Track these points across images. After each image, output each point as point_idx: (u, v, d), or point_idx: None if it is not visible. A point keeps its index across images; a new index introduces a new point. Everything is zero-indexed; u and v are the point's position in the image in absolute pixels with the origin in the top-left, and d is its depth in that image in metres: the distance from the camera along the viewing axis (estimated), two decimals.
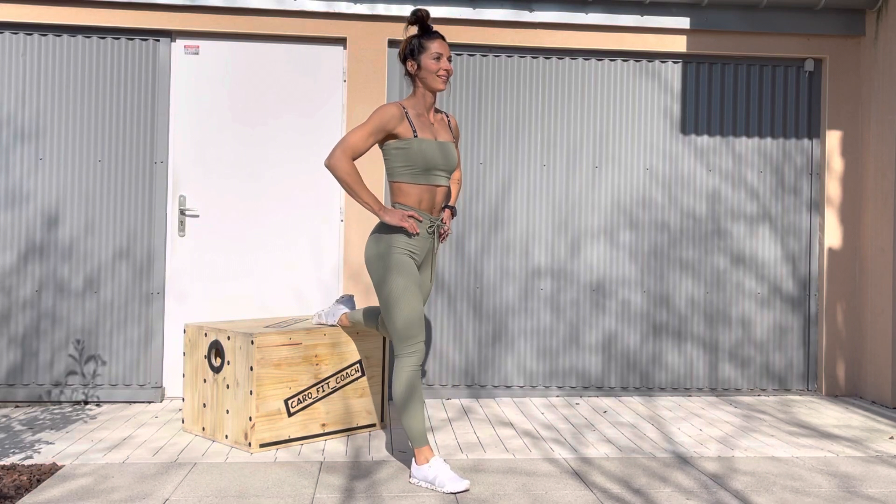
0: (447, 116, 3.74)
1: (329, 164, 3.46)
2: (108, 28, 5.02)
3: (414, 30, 3.65)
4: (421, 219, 3.55)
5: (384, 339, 4.43)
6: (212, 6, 5.00)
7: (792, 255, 5.47)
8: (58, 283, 4.98)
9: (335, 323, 4.23)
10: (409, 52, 3.58)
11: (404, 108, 3.54)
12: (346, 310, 4.25)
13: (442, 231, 3.69)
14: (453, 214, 3.79)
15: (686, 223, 5.40)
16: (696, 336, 5.39)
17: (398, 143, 3.52)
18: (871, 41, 5.36)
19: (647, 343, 5.36)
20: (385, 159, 3.59)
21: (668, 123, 5.40)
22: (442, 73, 3.54)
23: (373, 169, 5.05)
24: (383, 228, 3.57)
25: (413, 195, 3.55)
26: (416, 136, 3.51)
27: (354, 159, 3.48)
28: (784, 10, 5.34)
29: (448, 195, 3.72)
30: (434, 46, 3.54)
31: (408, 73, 3.61)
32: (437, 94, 3.59)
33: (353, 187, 3.46)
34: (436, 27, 5.15)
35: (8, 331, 4.95)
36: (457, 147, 3.81)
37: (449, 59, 3.58)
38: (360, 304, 5.10)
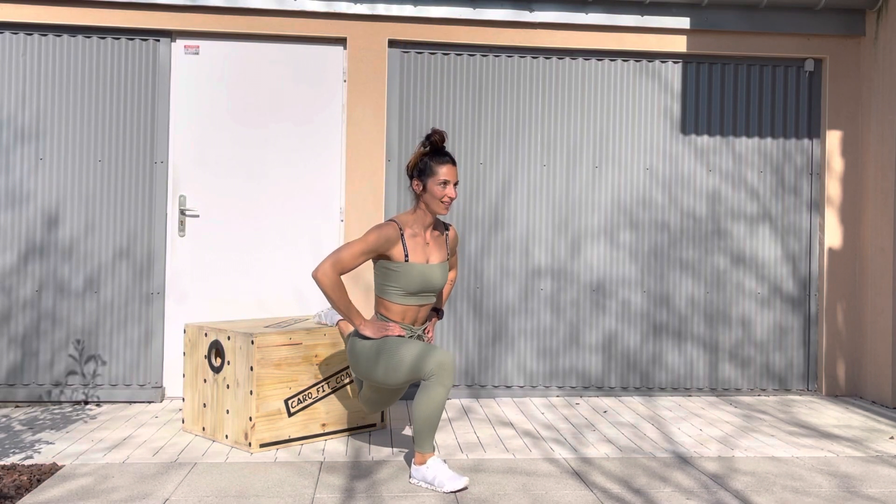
0: (447, 230, 3.77)
1: (315, 277, 3.50)
2: (108, 28, 5.02)
3: (426, 149, 3.65)
4: (403, 332, 3.60)
5: None
6: (212, 6, 5.00)
7: (792, 255, 5.47)
8: (58, 283, 4.97)
9: (334, 324, 4.23)
10: (417, 172, 3.59)
11: (401, 228, 3.57)
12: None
13: (424, 340, 3.75)
14: (439, 317, 3.88)
15: (686, 223, 5.40)
16: (696, 336, 5.39)
17: (389, 265, 3.58)
18: (871, 41, 5.36)
19: (647, 343, 5.36)
20: (375, 273, 3.65)
21: (668, 123, 5.40)
22: (446, 199, 3.56)
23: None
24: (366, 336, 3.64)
25: (397, 313, 3.64)
26: (407, 261, 3.55)
27: (342, 274, 3.53)
28: (784, 10, 5.34)
29: (435, 307, 3.82)
30: (442, 172, 3.55)
31: (412, 189, 3.63)
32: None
33: (336, 302, 3.53)
34: (436, 27, 5.16)
35: (8, 331, 4.95)
36: (455, 254, 3.89)
37: (455, 185, 3.59)
38: (360, 305, 5.09)
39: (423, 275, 3.58)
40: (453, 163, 3.59)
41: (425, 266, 3.59)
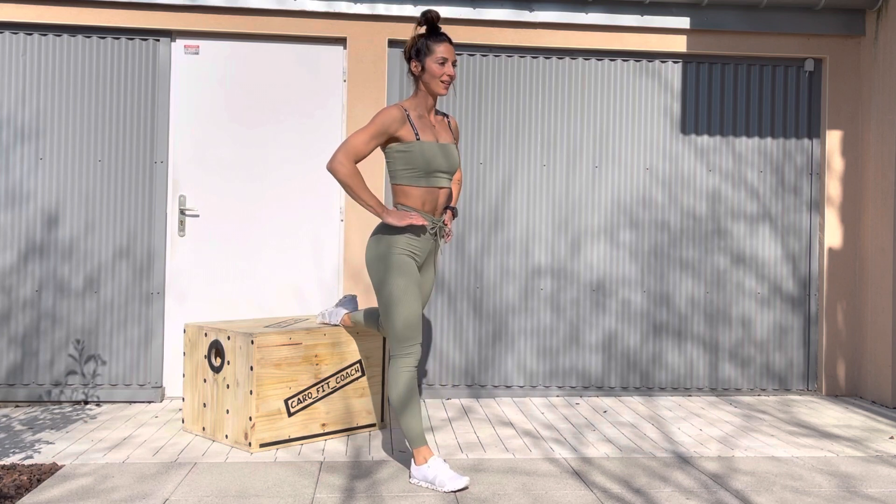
0: (447, 117, 3.73)
1: (331, 168, 3.44)
2: (108, 28, 5.02)
3: (422, 29, 3.63)
4: (424, 220, 3.52)
5: (384, 339, 4.43)
6: (212, 6, 5.00)
7: (792, 254, 5.47)
8: (58, 283, 4.97)
9: (338, 323, 4.23)
10: (415, 52, 3.55)
11: (406, 109, 3.52)
12: (349, 310, 4.25)
13: (444, 232, 3.68)
14: (454, 215, 3.77)
15: (686, 223, 5.40)
16: (696, 336, 5.39)
17: (400, 146, 3.50)
18: (871, 41, 5.36)
19: (647, 343, 5.35)
20: (387, 162, 3.58)
21: (669, 123, 5.40)
22: (445, 78, 3.52)
23: (374, 172, 5.05)
24: (384, 229, 3.55)
25: (415, 197, 3.54)
26: (418, 139, 3.49)
27: (356, 162, 3.46)
28: (784, 10, 5.34)
29: (450, 196, 3.70)
30: (440, 50, 3.51)
31: (411, 73, 3.59)
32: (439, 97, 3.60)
33: (355, 190, 3.44)
34: None
35: (8, 331, 4.95)
36: (458, 139, 3.81)
37: (454, 64, 3.56)
38: (361, 304, 5.09)
39: (435, 152, 3.51)
40: (450, 41, 3.55)
41: (436, 144, 3.53)
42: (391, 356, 3.50)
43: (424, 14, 3.53)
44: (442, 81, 3.52)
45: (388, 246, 3.51)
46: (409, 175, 3.52)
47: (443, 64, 3.51)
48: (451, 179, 3.65)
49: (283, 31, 5.08)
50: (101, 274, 5.01)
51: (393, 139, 3.51)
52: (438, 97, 3.69)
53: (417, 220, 3.47)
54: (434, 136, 3.57)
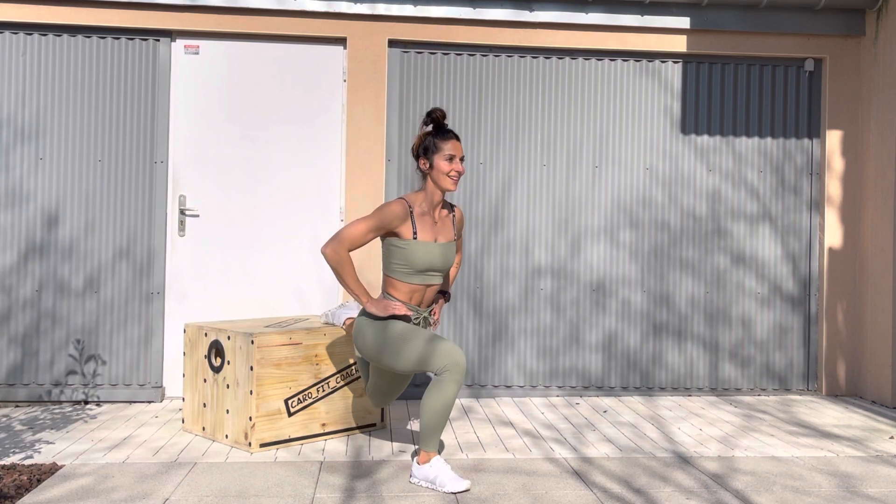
0: (453, 210, 3.78)
1: (324, 252, 3.50)
2: (108, 28, 5.02)
3: (429, 128, 3.67)
4: (409, 312, 3.59)
5: None
6: (212, 6, 5.00)
7: (792, 254, 5.47)
8: (58, 282, 4.97)
9: (341, 325, 4.22)
10: (423, 150, 3.61)
11: (410, 206, 3.57)
12: (353, 313, 4.23)
13: (431, 322, 3.75)
14: (447, 299, 3.87)
15: (686, 223, 5.40)
16: (696, 336, 5.39)
17: (398, 242, 3.56)
18: (871, 41, 5.36)
19: (647, 343, 5.36)
20: (383, 252, 3.65)
21: (669, 123, 5.40)
22: (453, 174, 3.57)
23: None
24: (369, 315, 3.63)
25: (404, 292, 3.62)
26: (415, 238, 3.55)
27: (350, 251, 3.53)
28: (784, 10, 5.35)
29: (445, 281, 3.79)
30: (447, 148, 3.57)
31: (419, 169, 3.64)
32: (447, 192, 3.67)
33: (344, 278, 3.52)
34: (436, 27, 5.16)
35: (8, 331, 4.95)
36: (461, 235, 3.88)
37: (462, 160, 3.60)
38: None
39: (430, 253, 3.55)
40: (457, 138, 3.60)
41: (433, 244, 3.57)
42: (434, 376, 3.46)
43: (430, 113, 3.60)
44: (450, 177, 3.57)
45: (380, 323, 3.58)
46: (402, 271, 3.59)
47: (451, 160, 3.57)
48: (443, 276, 3.72)
49: (283, 31, 5.09)
50: (101, 274, 5.01)
51: (392, 233, 3.57)
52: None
53: (400, 311, 3.54)
54: (433, 236, 3.62)
